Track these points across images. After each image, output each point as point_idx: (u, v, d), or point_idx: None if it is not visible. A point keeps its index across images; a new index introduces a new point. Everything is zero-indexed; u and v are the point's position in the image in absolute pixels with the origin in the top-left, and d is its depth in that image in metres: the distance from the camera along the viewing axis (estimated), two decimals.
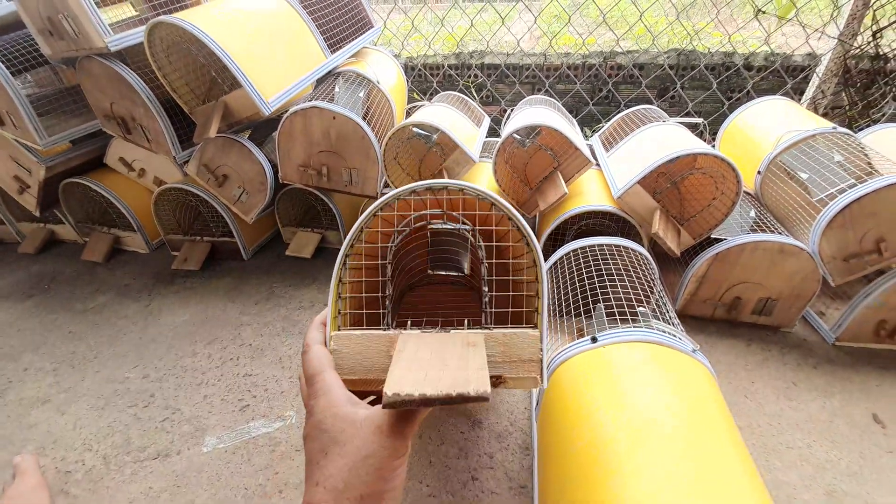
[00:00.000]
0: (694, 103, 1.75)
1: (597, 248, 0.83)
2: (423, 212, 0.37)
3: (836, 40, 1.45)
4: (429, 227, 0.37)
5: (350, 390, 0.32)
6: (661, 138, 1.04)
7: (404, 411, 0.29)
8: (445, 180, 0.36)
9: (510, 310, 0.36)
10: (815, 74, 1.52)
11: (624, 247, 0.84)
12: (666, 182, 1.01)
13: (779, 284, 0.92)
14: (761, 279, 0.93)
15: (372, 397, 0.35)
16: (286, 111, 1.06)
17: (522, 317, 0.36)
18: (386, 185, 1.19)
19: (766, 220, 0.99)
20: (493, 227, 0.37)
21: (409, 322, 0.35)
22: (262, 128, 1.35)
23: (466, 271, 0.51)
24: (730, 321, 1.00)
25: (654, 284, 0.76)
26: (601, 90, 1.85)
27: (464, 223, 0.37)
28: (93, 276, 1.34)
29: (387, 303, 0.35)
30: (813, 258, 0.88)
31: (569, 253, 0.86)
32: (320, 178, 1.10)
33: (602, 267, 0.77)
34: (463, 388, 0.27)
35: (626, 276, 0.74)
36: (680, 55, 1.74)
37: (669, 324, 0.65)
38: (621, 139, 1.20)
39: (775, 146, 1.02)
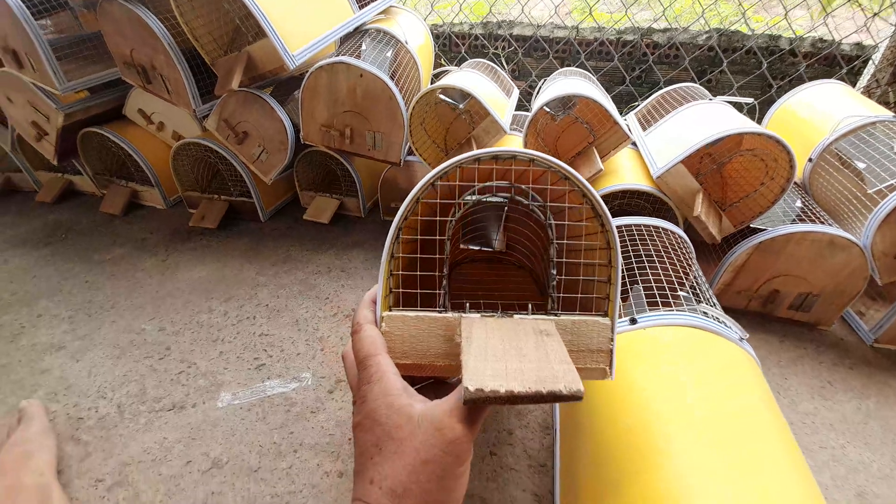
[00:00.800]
0: (734, 89, 1.65)
1: (633, 227, 0.79)
2: (489, 183, 0.32)
3: (893, 27, 1.34)
4: (466, 199, 0.33)
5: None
6: (707, 116, 0.97)
7: (471, 409, 0.26)
8: (514, 149, 0.31)
9: (579, 295, 0.32)
10: (871, 61, 1.41)
11: (663, 228, 0.79)
12: (711, 164, 0.95)
13: (823, 279, 0.87)
14: (805, 273, 0.87)
15: (421, 384, 0.32)
16: (310, 68, 1.01)
17: (592, 303, 0.33)
18: (409, 153, 1.15)
19: (813, 211, 0.93)
20: (566, 205, 0.33)
21: (467, 305, 0.32)
22: (284, 86, 1.30)
23: (499, 247, 0.48)
24: (764, 315, 0.96)
25: (694, 269, 0.71)
26: (634, 69, 1.75)
27: (534, 198, 0.33)
28: (110, 228, 1.33)
29: (443, 282, 0.32)
30: (864, 253, 0.82)
31: None
32: (343, 140, 1.06)
33: (640, 247, 0.73)
34: (552, 384, 0.24)
35: (666, 258, 0.69)
36: (721, 36, 1.63)
37: (714, 308, 0.61)
38: (661, 117, 1.13)
39: (832, 132, 0.94)
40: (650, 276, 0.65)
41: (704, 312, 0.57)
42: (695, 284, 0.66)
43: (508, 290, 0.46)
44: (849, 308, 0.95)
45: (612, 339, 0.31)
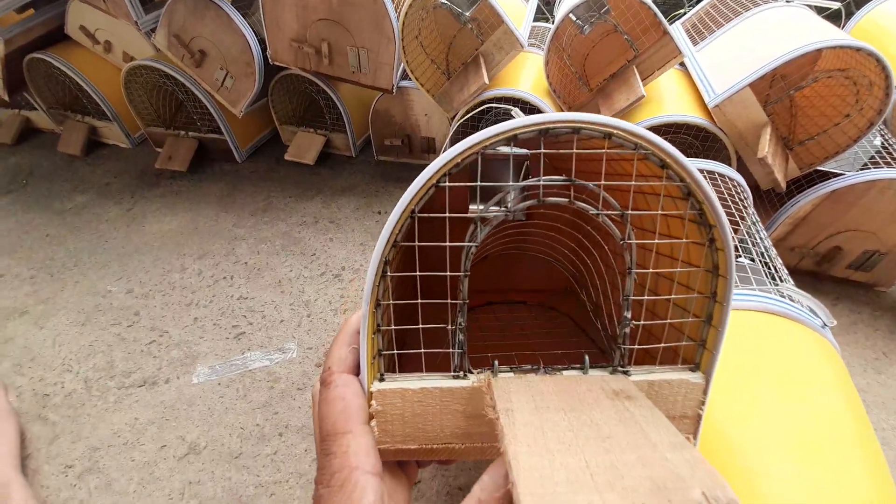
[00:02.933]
0: None
1: None
2: (533, 180, 0.18)
3: None
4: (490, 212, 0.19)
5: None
6: (784, 24, 0.76)
7: None
8: (576, 116, 0.17)
9: (662, 345, 0.21)
10: None
11: (719, 174, 0.63)
12: (783, 90, 0.76)
13: None
14: (878, 228, 0.73)
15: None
16: None
17: (672, 346, 0.21)
18: (404, 76, 0.95)
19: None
20: (660, 212, 0.19)
21: (495, 362, 0.20)
22: None
23: (518, 216, 0.34)
24: (816, 274, 0.83)
25: (757, 228, 0.57)
26: None
27: (608, 207, 0.18)
28: (71, 171, 1.19)
29: (459, 337, 0.20)
30: None
31: None
32: (320, 59, 0.85)
33: None
34: (681, 492, 0.13)
35: (728, 216, 0.55)
36: None
37: (785, 283, 0.49)
38: (718, 27, 0.90)
39: None
40: None
41: (781, 293, 0.45)
42: (763, 251, 0.53)
43: (529, 327, 0.33)
44: None
45: (703, 403, 0.21)
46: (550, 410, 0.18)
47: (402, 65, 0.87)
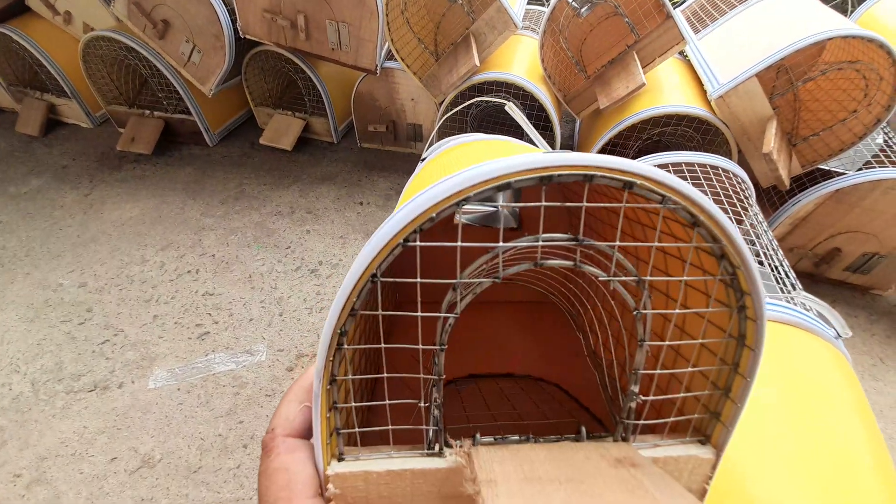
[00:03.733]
0: None
1: (685, 168, 0.59)
2: (529, 240, 0.14)
3: None
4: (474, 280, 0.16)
5: None
6: (789, 12, 0.71)
7: None
8: (588, 160, 0.13)
9: (672, 419, 0.18)
10: None
11: (723, 169, 0.59)
12: (788, 82, 0.72)
13: None
14: (879, 229, 0.70)
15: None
16: None
17: (680, 414, 0.19)
18: (389, 57, 0.88)
19: None
20: (685, 277, 0.16)
21: (477, 434, 0.17)
22: None
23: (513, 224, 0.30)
24: (813, 276, 0.81)
25: (764, 228, 0.54)
26: None
27: (623, 270, 0.15)
28: (28, 152, 1.09)
29: (436, 413, 0.17)
30: None
31: None
32: (296, 33, 0.78)
33: None
34: None
35: (732, 214, 0.51)
36: None
37: (793, 289, 0.45)
38: (721, 15, 0.85)
39: None
40: None
41: (791, 300, 0.41)
42: (769, 252, 0.49)
43: (520, 402, 0.28)
44: None
45: (710, 477, 0.19)
46: (543, 481, 0.15)
47: (387, 44, 0.81)
